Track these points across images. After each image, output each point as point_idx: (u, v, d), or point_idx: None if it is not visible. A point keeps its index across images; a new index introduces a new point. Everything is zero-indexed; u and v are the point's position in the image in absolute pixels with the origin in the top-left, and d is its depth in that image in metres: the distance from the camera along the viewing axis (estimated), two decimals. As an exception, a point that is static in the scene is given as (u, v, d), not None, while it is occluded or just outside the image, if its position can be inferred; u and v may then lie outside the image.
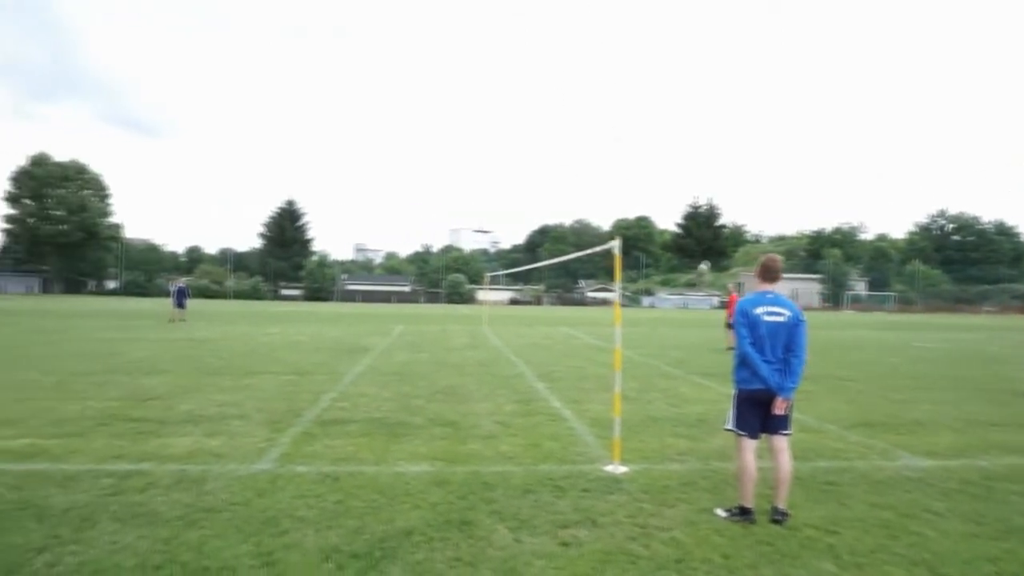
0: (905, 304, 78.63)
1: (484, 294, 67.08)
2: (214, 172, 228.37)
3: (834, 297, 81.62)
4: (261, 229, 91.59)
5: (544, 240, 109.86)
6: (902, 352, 18.68)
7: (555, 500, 4.83)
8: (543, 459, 6.00)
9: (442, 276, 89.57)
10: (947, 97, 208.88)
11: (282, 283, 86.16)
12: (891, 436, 7.26)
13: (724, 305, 15.57)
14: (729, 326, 14.81)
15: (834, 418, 8.22)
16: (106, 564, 3.60)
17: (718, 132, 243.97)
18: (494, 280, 71.21)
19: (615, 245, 6.08)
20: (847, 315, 59.29)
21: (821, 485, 5.32)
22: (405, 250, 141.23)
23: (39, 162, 75.14)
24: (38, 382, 9.86)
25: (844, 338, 24.44)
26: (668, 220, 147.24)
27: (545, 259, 59.10)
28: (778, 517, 4.45)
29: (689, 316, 48.84)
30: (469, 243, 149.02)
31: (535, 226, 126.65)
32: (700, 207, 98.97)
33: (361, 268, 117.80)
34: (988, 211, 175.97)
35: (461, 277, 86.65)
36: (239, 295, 76.52)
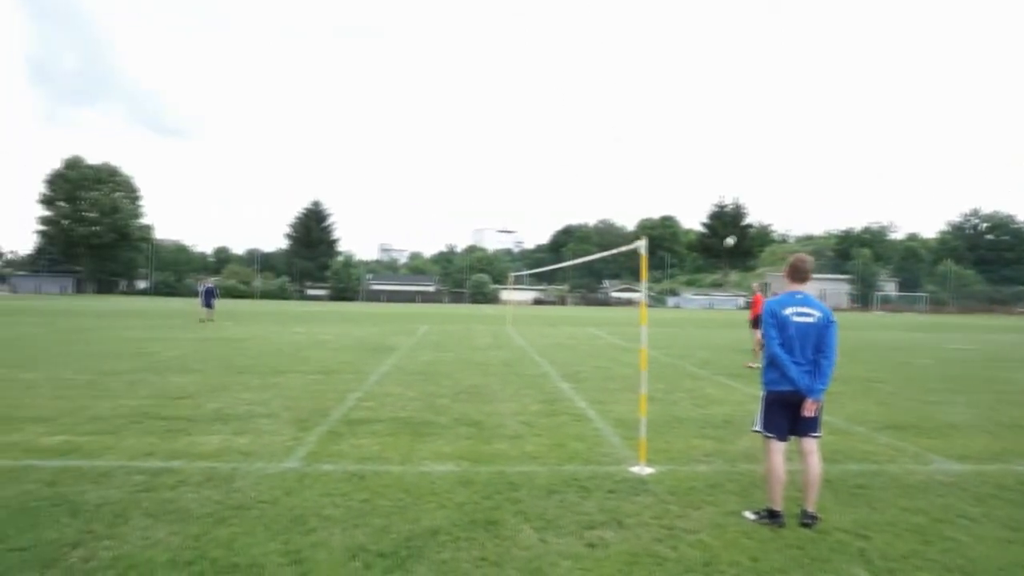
0: (937, 305, 77.09)
1: (508, 294, 67.10)
2: (242, 174, 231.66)
3: (863, 298, 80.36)
4: (287, 230, 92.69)
5: (568, 240, 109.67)
6: (934, 353, 18.33)
7: (581, 501, 4.81)
8: (568, 459, 5.98)
9: (466, 276, 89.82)
10: (980, 94, 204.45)
11: (308, 283, 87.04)
12: (923, 439, 7.12)
13: (749, 306, 15.40)
14: (754, 325, 14.67)
15: (864, 420, 8.08)
16: (139, 559, 3.66)
17: (744, 130, 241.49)
18: (518, 280, 71.20)
19: (641, 245, 6.04)
20: (877, 316, 58.34)
21: (851, 488, 5.24)
22: (429, 250, 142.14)
23: (73, 165, 76.78)
24: (72, 380, 10.07)
25: (874, 339, 24.04)
26: (693, 220, 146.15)
27: (569, 259, 58.96)
28: (807, 520, 4.38)
29: (715, 316, 48.44)
30: (493, 243, 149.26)
31: (559, 226, 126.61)
32: (726, 206, 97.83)
33: (386, 268, 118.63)
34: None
35: (485, 277, 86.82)
36: (266, 295, 77.45)
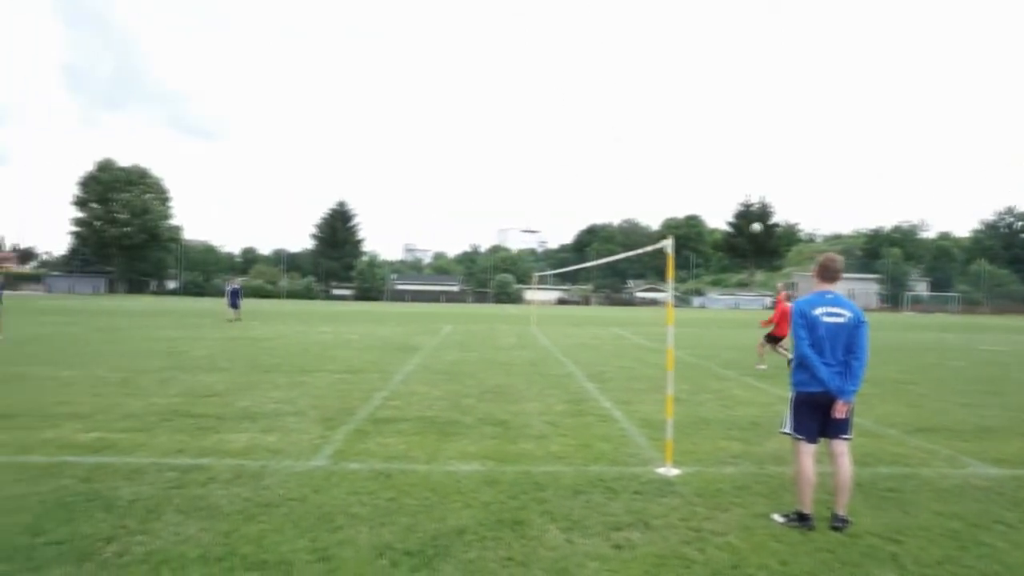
0: (970, 305, 75.47)
1: (532, 294, 67.08)
2: (269, 175, 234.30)
3: (893, 298, 78.93)
4: (313, 230, 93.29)
5: (592, 240, 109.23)
6: (967, 355, 17.96)
7: (607, 502, 4.79)
8: (594, 460, 5.96)
9: (490, 276, 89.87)
10: (1015, 90, 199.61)
11: (333, 283, 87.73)
12: (956, 442, 6.98)
13: (774, 306, 15.20)
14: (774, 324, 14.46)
15: (895, 422, 7.95)
16: (171, 554, 3.72)
17: (771, 128, 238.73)
18: (542, 280, 71.22)
19: (667, 244, 6.00)
20: (907, 316, 57.30)
21: (882, 492, 5.15)
22: (453, 250, 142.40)
23: (105, 167, 78.20)
24: (106, 379, 10.27)
25: (904, 340, 23.62)
26: (719, 219, 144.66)
27: (593, 259, 58.81)
28: (838, 524, 4.32)
29: (741, 317, 47.92)
30: (517, 243, 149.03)
31: (583, 226, 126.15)
32: (752, 205, 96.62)
33: (410, 268, 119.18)
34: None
35: (509, 277, 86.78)
36: (292, 295, 78.25)
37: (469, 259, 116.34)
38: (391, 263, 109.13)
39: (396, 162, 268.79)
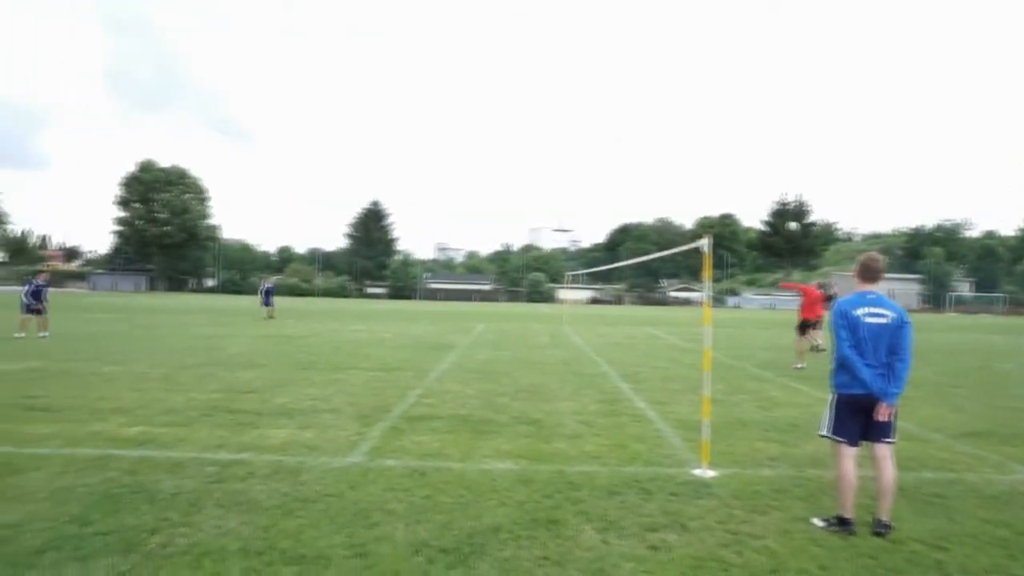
0: (1017, 306, 73.16)
1: (564, 293, 66.91)
2: (304, 175, 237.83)
3: (935, 298, 76.96)
4: (347, 229, 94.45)
5: (625, 239, 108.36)
6: (1014, 357, 17.41)
7: (642, 502, 4.75)
8: (629, 460, 5.92)
9: (522, 275, 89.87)
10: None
11: (367, 281, 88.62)
12: (1004, 448, 6.77)
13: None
14: (808, 326, 14.21)
15: (938, 426, 7.75)
16: (213, 547, 3.80)
17: (808, 125, 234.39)
18: (574, 279, 70.97)
19: (704, 243, 5.93)
20: (950, 317, 55.80)
21: (927, 497, 5.03)
22: (486, 249, 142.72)
23: (146, 168, 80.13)
24: (147, 374, 10.52)
25: (947, 341, 23.01)
26: (753, 218, 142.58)
27: (626, 258, 58.39)
28: (880, 529, 4.23)
29: (776, 317, 47.13)
30: (549, 242, 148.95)
31: (615, 225, 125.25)
32: (788, 204, 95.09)
33: (443, 267, 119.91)
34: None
35: (541, 276, 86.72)
36: (326, 293, 79.28)
37: (501, 258, 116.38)
38: (424, 262, 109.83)
39: (429, 163, 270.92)
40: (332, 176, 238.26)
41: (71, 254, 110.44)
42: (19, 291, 18.14)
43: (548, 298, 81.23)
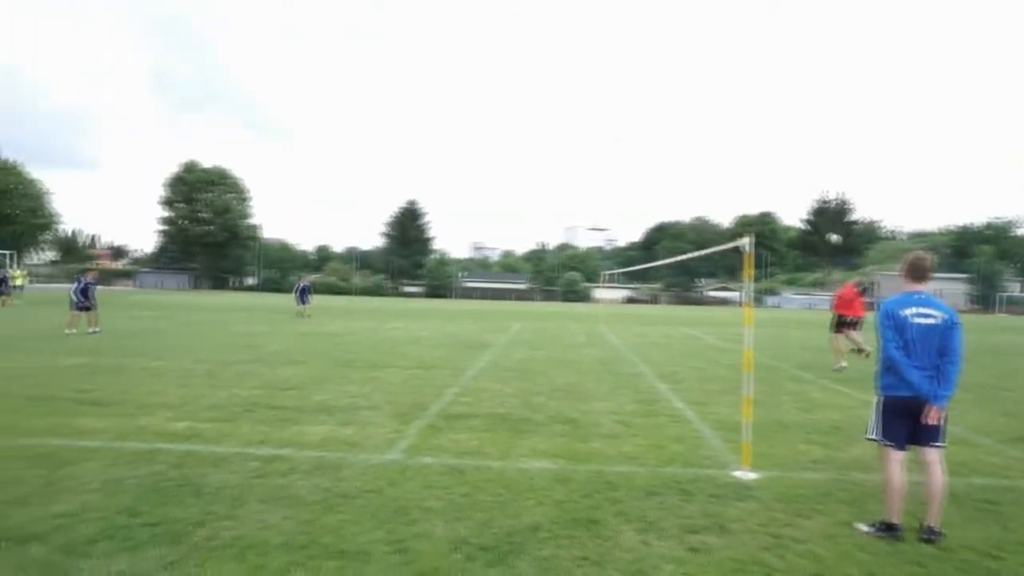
0: (1071, 307, 70.53)
1: (600, 292, 66.56)
2: (342, 175, 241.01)
3: (984, 299, 74.54)
4: (384, 228, 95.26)
5: (661, 238, 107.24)
6: (1069, 360, 16.77)
7: (682, 504, 4.71)
8: (668, 461, 5.87)
9: (558, 274, 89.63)
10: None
11: (404, 280, 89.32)
12: (1060, 453, 6.53)
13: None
14: (846, 324, 13.66)
15: (989, 431, 7.51)
16: (256, 540, 3.87)
17: (850, 120, 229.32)
18: (611, 278, 70.51)
19: (745, 243, 5.84)
20: (1000, 318, 54.04)
21: (978, 504, 4.87)
22: (521, 248, 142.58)
23: (190, 168, 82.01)
24: (192, 370, 10.77)
25: (997, 343, 22.28)
26: (793, 216, 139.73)
27: (662, 257, 57.85)
28: (930, 536, 4.11)
29: (817, 317, 46.19)
30: (585, 241, 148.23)
31: (652, 224, 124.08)
32: (829, 201, 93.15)
33: (479, 266, 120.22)
34: None
35: (577, 275, 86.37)
36: (363, 291, 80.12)
37: (537, 257, 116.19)
38: (460, 261, 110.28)
39: (465, 163, 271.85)
40: (369, 176, 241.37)
41: (118, 253, 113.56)
42: (69, 289, 18.72)
43: (584, 297, 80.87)
